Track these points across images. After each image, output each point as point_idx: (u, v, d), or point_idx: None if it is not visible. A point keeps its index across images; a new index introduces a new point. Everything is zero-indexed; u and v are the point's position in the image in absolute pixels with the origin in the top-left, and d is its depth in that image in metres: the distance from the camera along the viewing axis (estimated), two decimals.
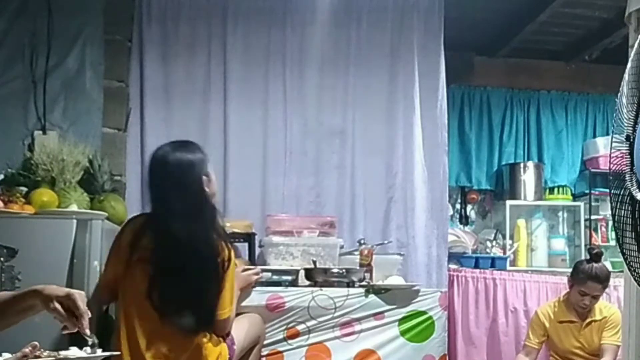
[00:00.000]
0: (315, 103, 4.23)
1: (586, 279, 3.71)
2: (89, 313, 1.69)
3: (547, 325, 3.87)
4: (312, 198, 4.18)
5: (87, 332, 1.67)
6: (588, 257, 3.85)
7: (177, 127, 4.02)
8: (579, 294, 3.75)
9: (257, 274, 3.14)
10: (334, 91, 4.25)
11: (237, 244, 3.87)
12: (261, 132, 4.17)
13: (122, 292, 2.68)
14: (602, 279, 3.73)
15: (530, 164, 5.54)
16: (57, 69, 3.71)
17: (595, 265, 3.75)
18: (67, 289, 1.70)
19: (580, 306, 3.77)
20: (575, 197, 5.72)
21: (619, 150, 1.82)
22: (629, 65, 1.82)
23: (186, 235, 2.60)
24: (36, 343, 1.57)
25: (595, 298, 3.75)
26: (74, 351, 1.71)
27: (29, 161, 3.45)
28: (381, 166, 4.24)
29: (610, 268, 5.22)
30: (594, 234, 5.53)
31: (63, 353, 1.69)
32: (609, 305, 3.98)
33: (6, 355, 1.61)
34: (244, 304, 3.11)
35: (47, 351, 1.62)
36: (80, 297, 1.69)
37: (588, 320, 3.80)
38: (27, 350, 1.54)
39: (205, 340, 2.65)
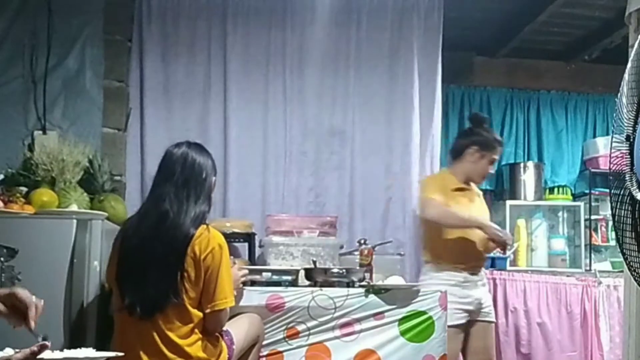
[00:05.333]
0: (315, 103, 4.23)
1: (497, 145, 3.66)
2: (38, 304, 1.68)
3: (445, 191, 3.57)
4: (312, 198, 4.18)
5: (32, 324, 1.65)
6: (471, 125, 3.75)
7: (177, 127, 4.02)
8: (489, 163, 3.64)
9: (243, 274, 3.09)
10: (334, 91, 4.25)
11: (237, 244, 3.88)
12: (261, 132, 4.17)
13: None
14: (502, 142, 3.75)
15: (530, 164, 5.54)
16: (57, 69, 3.71)
17: (491, 131, 3.75)
18: (9, 289, 1.70)
19: (489, 174, 3.69)
20: (575, 197, 5.72)
21: (619, 150, 1.82)
22: (629, 65, 1.82)
23: (155, 230, 2.59)
24: (46, 343, 1.56)
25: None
26: (81, 351, 1.72)
27: (29, 161, 3.45)
28: (380, 166, 4.25)
29: (610, 268, 5.27)
30: (594, 234, 5.53)
31: (71, 352, 1.70)
32: None
33: (9, 350, 1.60)
34: (243, 303, 3.10)
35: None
36: (24, 292, 1.68)
37: (475, 190, 3.70)
38: (35, 348, 1.54)
39: (199, 344, 2.62)
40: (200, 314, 2.61)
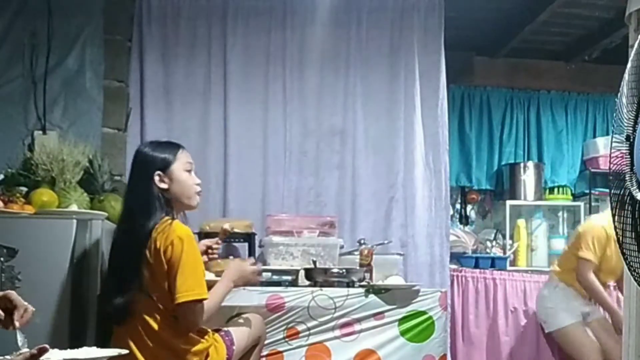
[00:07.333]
0: (315, 103, 4.23)
1: None
2: (28, 308, 1.72)
3: (611, 241, 3.61)
4: (312, 198, 4.18)
5: (16, 324, 1.70)
6: None
7: (177, 127, 4.02)
8: None
9: (259, 274, 3.06)
10: (334, 91, 4.25)
11: (237, 244, 3.89)
12: (261, 132, 4.17)
13: None
14: None
15: (530, 164, 5.53)
16: (57, 69, 3.71)
17: None
18: (3, 292, 1.75)
19: None
20: (575, 197, 5.72)
21: (619, 150, 1.82)
22: (629, 65, 1.82)
23: (119, 233, 2.69)
24: (46, 346, 1.56)
25: None
26: (82, 351, 1.72)
27: (29, 161, 3.45)
28: (382, 165, 4.24)
29: None
30: None
31: (73, 352, 1.70)
32: None
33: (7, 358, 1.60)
34: (243, 303, 3.11)
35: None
36: (17, 296, 1.74)
37: None
38: (34, 351, 1.54)
39: (184, 347, 2.60)
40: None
